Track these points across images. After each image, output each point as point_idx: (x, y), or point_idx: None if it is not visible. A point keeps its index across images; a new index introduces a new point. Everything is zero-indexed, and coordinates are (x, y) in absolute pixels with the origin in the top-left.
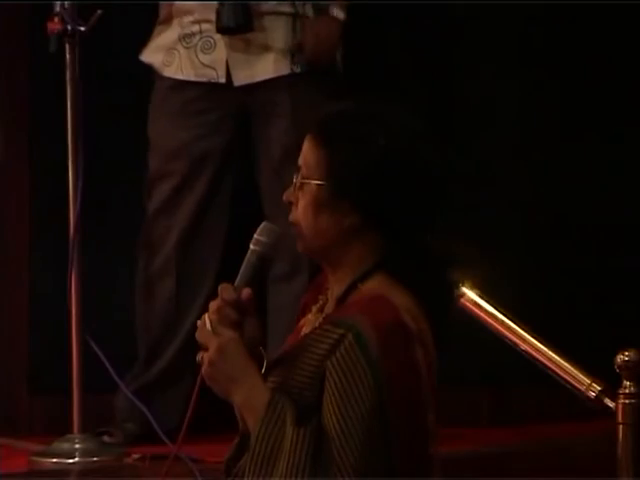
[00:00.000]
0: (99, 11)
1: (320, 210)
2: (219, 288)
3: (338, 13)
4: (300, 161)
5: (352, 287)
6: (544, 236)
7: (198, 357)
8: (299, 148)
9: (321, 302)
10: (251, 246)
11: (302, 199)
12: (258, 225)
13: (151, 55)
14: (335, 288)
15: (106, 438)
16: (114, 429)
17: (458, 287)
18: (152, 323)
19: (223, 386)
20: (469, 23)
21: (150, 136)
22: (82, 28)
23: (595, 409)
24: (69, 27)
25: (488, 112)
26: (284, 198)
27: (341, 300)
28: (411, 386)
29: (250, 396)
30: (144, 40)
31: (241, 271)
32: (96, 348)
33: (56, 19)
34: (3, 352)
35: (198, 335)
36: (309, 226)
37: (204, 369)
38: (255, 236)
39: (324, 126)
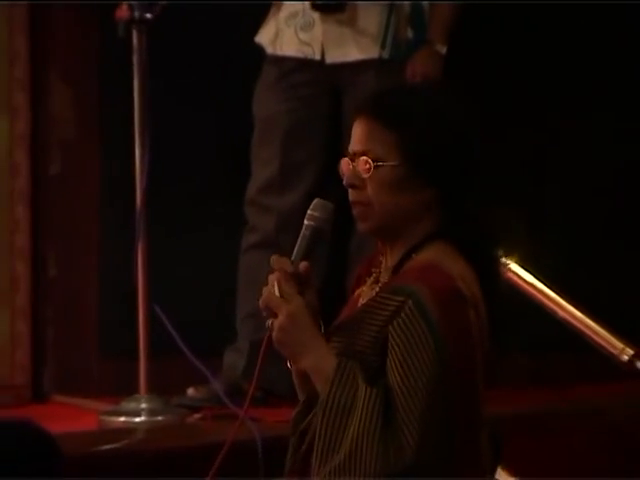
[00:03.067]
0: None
1: (398, 189)
2: (276, 261)
3: (441, 48)
4: (359, 145)
5: (406, 257)
6: (583, 211)
7: (268, 323)
8: None
9: (375, 274)
10: (305, 221)
11: (373, 181)
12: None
13: (261, 35)
14: (389, 259)
15: (190, 392)
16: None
17: (505, 258)
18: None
19: (293, 351)
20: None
21: (254, 110)
22: (149, 16)
23: (628, 371)
24: (136, 15)
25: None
26: (345, 183)
27: (396, 270)
28: (466, 347)
29: (318, 360)
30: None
31: (297, 245)
32: (162, 315)
33: (124, 6)
34: (76, 320)
35: (265, 301)
36: (387, 206)
37: (275, 334)
38: (309, 212)
39: (387, 107)
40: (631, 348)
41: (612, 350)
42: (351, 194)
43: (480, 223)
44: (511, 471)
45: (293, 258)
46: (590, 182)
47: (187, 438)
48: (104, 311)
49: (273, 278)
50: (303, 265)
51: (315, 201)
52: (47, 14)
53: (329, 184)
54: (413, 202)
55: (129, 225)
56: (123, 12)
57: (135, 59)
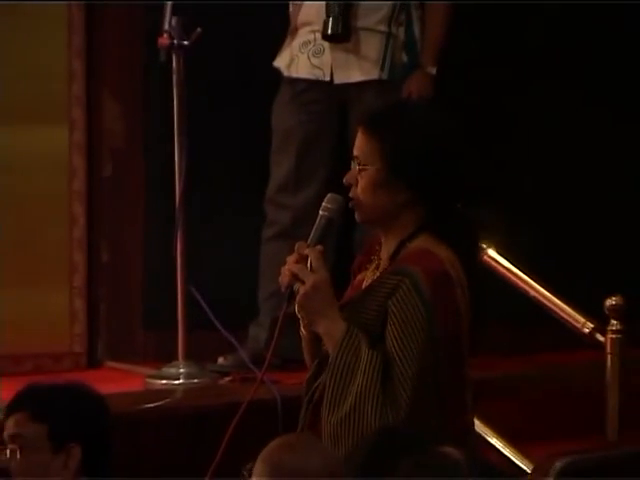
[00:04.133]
0: (199, 29)
1: (378, 189)
2: (296, 245)
3: (431, 70)
4: (356, 151)
5: (401, 246)
6: (553, 204)
7: (295, 287)
8: None
9: (376, 261)
10: (320, 212)
11: (361, 181)
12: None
13: (279, 60)
14: (386, 249)
15: (221, 360)
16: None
17: (483, 246)
18: None
19: (311, 316)
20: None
21: (272, 123)
22: (186, 42)
23: (588, 342)
24: (175, 42)
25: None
26: (344, 181)
27: (393, 257)
28: (453, 319)
29: (331, 326)
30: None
31: (313, 232)
32: (197, 294)
33: (165, 35)
34: (124, 298)
35: (297, 269)
36: (368, 202)
37: (299, 298)
38: (323, 204)
39: (376, 121)
40: (591, 322)
41: (575, 324)
42: (350, 191)
43: (457, 219)
44: (490, 427)
45: (309, 242)
46: (561, 176)
47: (218, 397)
48: (148, 290)
49: (291, 258)
50: (318, 248)
51: (329, 195)
52: (100, 40)
53: (336, 185)
54: (390, 202)
55: (169, 219)
56: (164, 40)
57: (175, 79)
